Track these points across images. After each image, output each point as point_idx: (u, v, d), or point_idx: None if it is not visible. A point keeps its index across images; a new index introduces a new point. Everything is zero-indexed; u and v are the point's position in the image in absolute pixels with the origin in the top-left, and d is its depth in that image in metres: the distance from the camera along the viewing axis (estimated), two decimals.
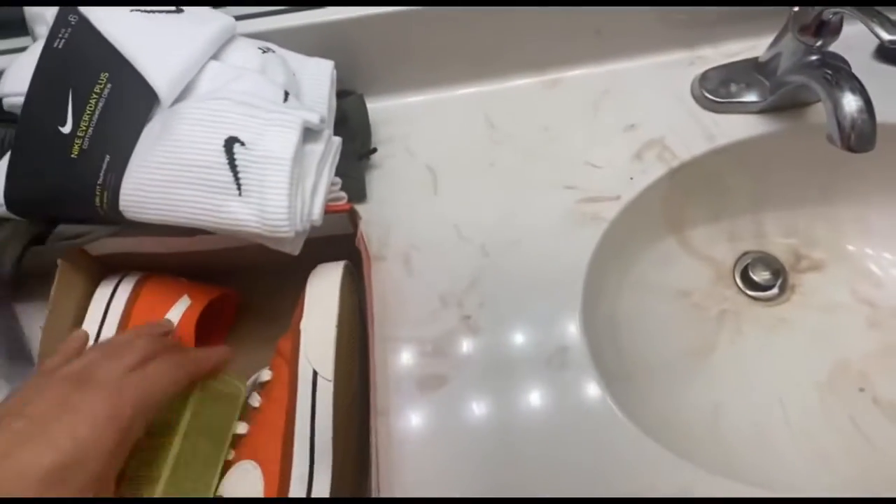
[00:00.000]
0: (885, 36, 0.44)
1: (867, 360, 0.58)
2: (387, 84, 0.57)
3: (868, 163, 0.59)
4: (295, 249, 0.41)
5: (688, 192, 0.59)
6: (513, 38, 0.56)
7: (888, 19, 0.44)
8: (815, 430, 0.55)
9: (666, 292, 0.61)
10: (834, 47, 0.56)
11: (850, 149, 0.47)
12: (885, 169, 0.59)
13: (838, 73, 0.48)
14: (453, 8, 0.52)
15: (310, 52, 0.50)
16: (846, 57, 0.57)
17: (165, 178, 0.38)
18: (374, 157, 0.55)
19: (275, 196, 0.37)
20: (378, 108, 0.57)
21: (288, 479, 0.38)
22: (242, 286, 0.51)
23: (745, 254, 0.64)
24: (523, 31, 0.55)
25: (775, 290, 0.62)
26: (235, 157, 0.38)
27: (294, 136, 0.38)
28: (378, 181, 0.55)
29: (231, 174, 0.38)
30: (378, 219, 0.53)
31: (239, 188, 0.38)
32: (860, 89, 0.47)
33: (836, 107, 0.47)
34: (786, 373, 0.58)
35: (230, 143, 0.38)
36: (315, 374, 0.39)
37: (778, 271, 0.62)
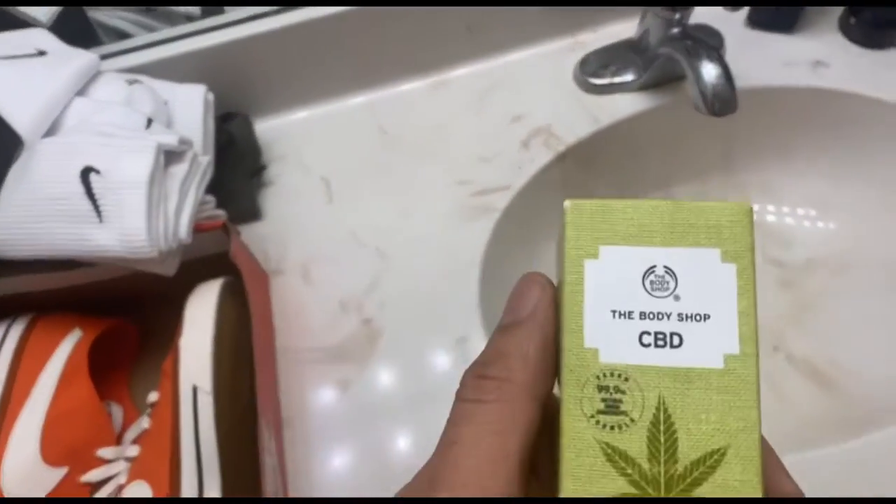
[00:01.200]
0: (727, 6, 0.45)
1: (780, 319, 0.59)
2: (275, 103, 0.58)
3: (756, 126, 0.60)
4: (169, 270, 0.42)
5: (586, 174, 0.60)
6: (392, 44, 0.57)
7: None
8: None
9: None
10: (707, 18, 0.58)
11: (714, 114, 0.48)
12: (774, 128, 0.60)
13: (697, 44, 0.49)
14: (325, 16, 0.53)
15: (193, 79, 0.51)
16: (720, 27, 0.59)
17: (28, 214, 0.39)
18: (269, 176, 0.56)
19: (133, 219, 0.38)
20: (268, 127, 0.58)
21: (178, 494, 0.38)
22: (143, 317, 0.52)
23: None
24: (399, 35, 0.57)
25: None
26: (92, 185, 0.39)
27: (148, 159, 0.39)
28: (273, 198, 0.56)
29: (90, 202, 0.39)
30: (275, 235, 0.54)
31: (99, 215, 0.39)
32: (717, 57, 0.48)
33: (697, 76, 0.48)
34: None
35: (86, 172, 0.39)
36: (195, 388, 0.39)
37: None
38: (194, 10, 0.55)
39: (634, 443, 0.15)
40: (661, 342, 0.16)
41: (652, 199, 0.16)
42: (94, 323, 0.47)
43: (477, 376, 0.17)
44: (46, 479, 0.40)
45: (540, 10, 0.58)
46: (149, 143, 0.40)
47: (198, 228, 0.42)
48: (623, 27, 0.61)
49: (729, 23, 0.59)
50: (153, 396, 0.42)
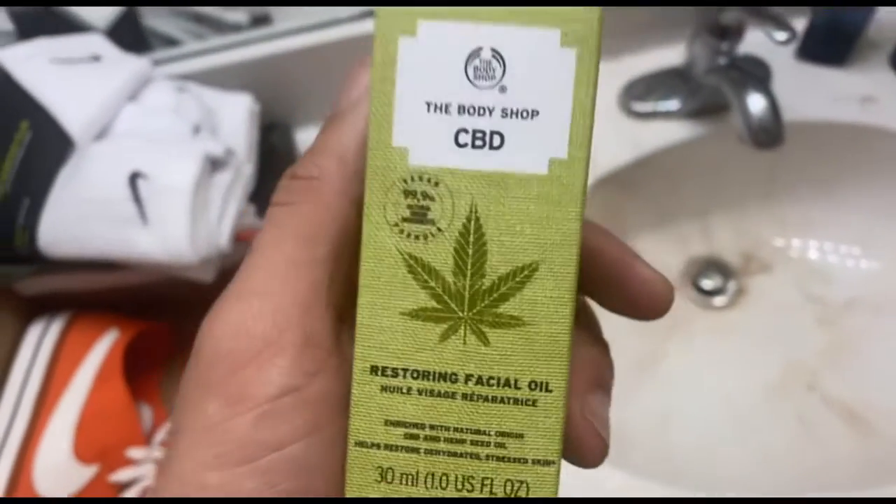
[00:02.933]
0: (778, 36, 0.45)
1: (817, 358, 0.58)
2: (315, 114, 0.59)
3: (803, 160, 0.59)
4: (207, 276, 0.42)
5: (624, 200, 0.60)
6: None
7: (781, 20, 0.45)
8: (764, 431, 0.54)
9: None
10: (756, 48, 0.58)
11: (760, 146, 0.48)
12: (819, 164, 0.59)
13: (744, 75, 0.49)
14: (371, 34, 0.54)
15: (238, 89, 0.52)
16: (768, 57, 0.58)
17: (77, 214, 0.40)
18: None
19: (176, 225, 0.39)
20: (308, 138, 0.58)
21: None
22: (178, 320, 0.52)
23: (693, 259, 0.64)
24: None
25: (725, 295, 0.62)
26: (139, 189, 0.39)
27: (194, 166, 0.40)
28: None
29: (136, 206, 0.39)
30: None
31: (144, 219, 0.39)
32: (765, 89, 0.48)
33: (743, 107, 0.48)
34: (735, 377, 0.57)
35: (134, 177, 0.40)
36: None
37: (727, 275, 0.62)
38: (242, 19, 0.56)
39: (440, 254, 0.14)
40: (479, 142, 0.13)
41: None
42: (130, 324, 0.47)
43: (288, 177, 0.15)
44: (77, 477, 0.41)
45: None
46: (195, 149, 0.40)
47: (238, 237, 0.43)
48: (668, 54, 0.61)
49: (778, 54, 0.58)
50: None
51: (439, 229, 0.14)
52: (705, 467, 0.52)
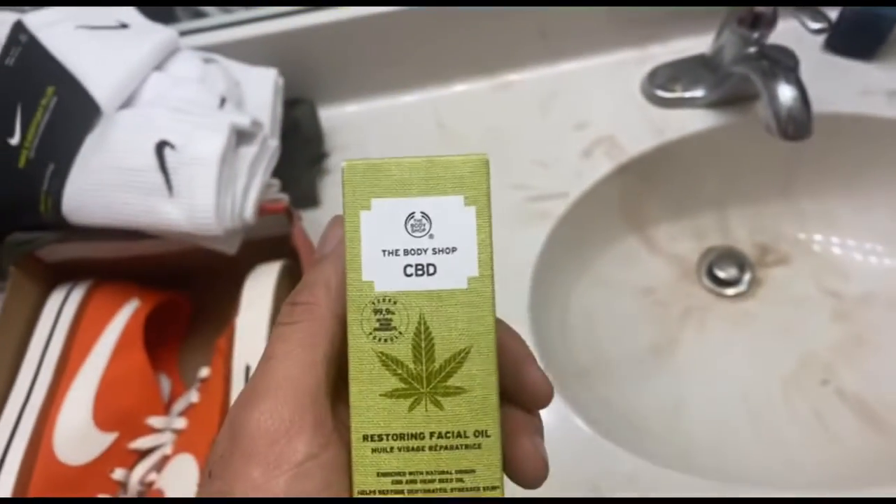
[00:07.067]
0: (812, 25, 0.44)
1: (832, 352, 0.57)
2: (339, 92, 0.59)
3: (825, 153, 0.59)
4: (231, 248, 0.42)
5: (643, 188, 0.59)
6: (460, 43, 0.57)
7: (817, 9, 0.45)
8: (778, 423, 0.54)
9: (627, 290, 0.61)
10: (783, 39, 0.57)
11: (787, 138, 0.47)
12: (842, 158, 0.59)
13: (774, 65, 0.49)
14: (400, 11, 0.53)
15: (263, 62, 0.52)
16: (796, 48, 0.57)
17: (102, 181, 0.40)
18: (328, 163, 0.57)
19: (202, 195, 0.39)
20: (332, 115, 0.59)
21: None
22: (197, 291, 0.52)
23: (709, 249, 0.64)
24: (470, 35, 0.57)
25: (741, 286, 0.62)
26: (166, 159, 0.39)
27: (221, 138, 0.39)
28: (332, 187, 0.56)
29: (162, 176, 0.39)
30: None
31: (170, 189, 0.39)
32: (795, 79, 0.47)
33: (772, 97, 0.47)
34: (750, 368, 0.57)
35: (161, 146, 0.39)
36: (248, 368, 0.40)
37: (743, 266, 0.62)
38: None
39: (402, 350, 0.19)
40: (420, 272, 0.19)
41: (412, 157, 0.20)
42: (151, 294, 0.47)
43: (289, 304, 0.21)
44: (97, 443, 0.41)
45: (611, 18, 0.58)
46: (223, 121, 0.40)
47: (262, 210, 0.43)
48: (694, 42, 0.60)
49: (806, 45, 0.57)
50: (204, 372, 0.42)
51: (400, 333, 0.20)
52: (718, 457, 0.53)
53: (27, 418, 0.41)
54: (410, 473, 0.20)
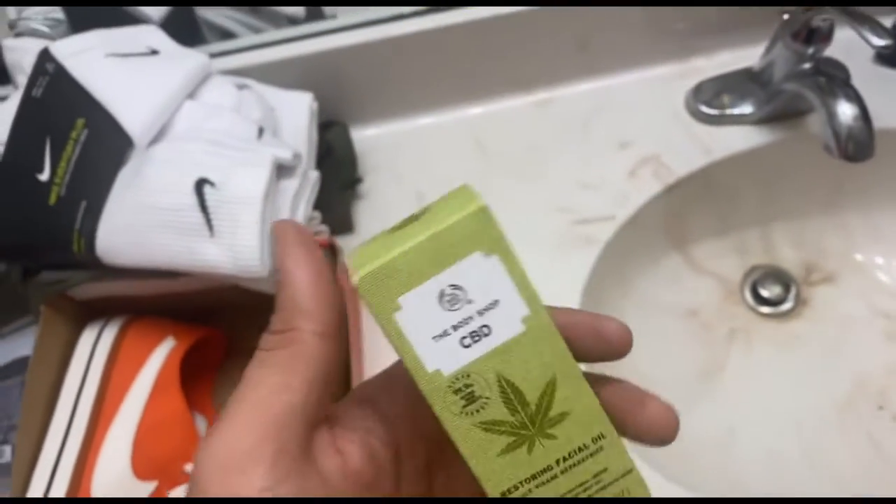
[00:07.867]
0: (876, 41, 0.42)
1: (886, 376, 0.55)
2: (372, 112, 0.57)
3: (874, 169, 0.57)
4: (273, 288, 0.40)
5: (688, 208, 0.57)
6: (496, 59, 0.55)
7: (879, 24, 0.43)
8: (832, 451, 0.52)
9: (671, 312, 0.59)
10: (832, 53, 0.55)
11: (848, 158, 0.45)
12: (891, 172, 0.57)
13: (832, 81, 0.46)
14: (433, 29, 0.51)
15: (293, 85, 0.50)
16: (846, 62, 0.55)
17: (138, 221, 0.38)
18: (362, 188, 0.55)
19: (246, 236, 0.37)
20: (365, 136, 0.56)
21: None
22: (231, 325, 0.51)
23: (753, 268, 0.61)
24: (507, 50, 0.54)
25: (787, 306, 0.60)
26: (206, 198, 0.37)
27: (264, 174, 0.37)
28: (366, 211, 0.54)
29: (202, 216, 0.37)
30: None
31: (211, 229, 0.37)
32: (855, 97, 0.45)
33: (831, 116, 0.45)
34: (800, 392, 0.55)
35: (200, 184, 0.38)
36: None
37: (788, 285, 0.60)
38: (298, 11, 0.54)
39: (496, 411, 0.20)
40: (476, 338, 0.19)
41: (407, 233, 0.19)
42: (187, 332, 0.46)
43: (268, 332, 0.20)
44: (136, 493, 0.39)
45: (653, 28, 0.55)
46: (265, 156, 0.38)
47: None
48: (737, 55, 0.58)
49: (855, 57, 0.55)
50: None
51: (487, 398, 0.20)
52: (770, 489, 0.51)
53: (64, 466, 0.39)
54: (557, 497, 0.21)
